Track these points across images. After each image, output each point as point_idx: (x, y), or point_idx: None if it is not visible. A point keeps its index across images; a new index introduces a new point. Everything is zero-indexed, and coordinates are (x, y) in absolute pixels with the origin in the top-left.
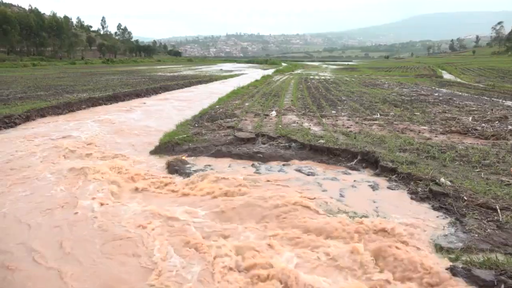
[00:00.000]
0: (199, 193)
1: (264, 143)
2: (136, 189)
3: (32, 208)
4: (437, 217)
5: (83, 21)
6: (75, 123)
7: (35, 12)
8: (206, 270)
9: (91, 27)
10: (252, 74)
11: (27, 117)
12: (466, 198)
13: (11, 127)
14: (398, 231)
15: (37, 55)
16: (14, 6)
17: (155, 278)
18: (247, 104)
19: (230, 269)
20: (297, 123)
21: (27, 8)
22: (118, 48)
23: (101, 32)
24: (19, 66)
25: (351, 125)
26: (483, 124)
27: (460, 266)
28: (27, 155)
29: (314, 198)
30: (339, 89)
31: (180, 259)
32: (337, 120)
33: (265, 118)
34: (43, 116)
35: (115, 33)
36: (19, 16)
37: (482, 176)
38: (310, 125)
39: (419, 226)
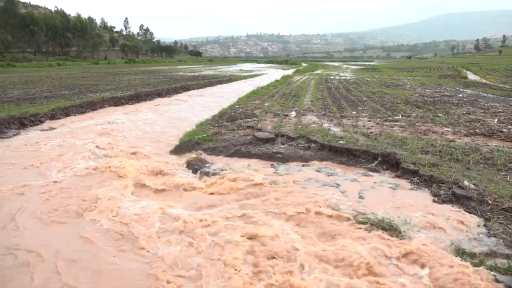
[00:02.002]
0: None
1: (283, 144)
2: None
3: None
4: (460, 221)
5: (106, 22)
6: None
7: (60, 13)
8: None
9: (114, 27)
10: (272, 74)
11: (52, 116)
12: (490, 202)
13: (37, 125)
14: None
15: (62, 55)
16: (41, 7)
17: None
18: (266, 104)
19: None
20: (317, 123)
21: (53, 9)
22: (140, 48)
23: (124, 33)
24: (45, 66)
25: (372, 126)
26: (509, 126)
27: (485, 271)
28: None
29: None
30: (359, 90)
31: None
32: (357, 121)
33: (285, 118)
34: (67, 114)
35: (138, 33)
36: (45, 17)
37: (508, 180)
38: (330, 126)
39: (441, 230)
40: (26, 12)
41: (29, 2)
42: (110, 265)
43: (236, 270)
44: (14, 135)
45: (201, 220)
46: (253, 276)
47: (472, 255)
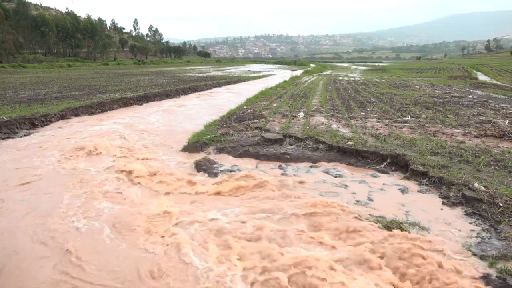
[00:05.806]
0: None
1: (291, 144)
2: None
3: None
4: (470, 223)
5: (116, 23)
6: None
7: (71, 15)
8: None
9: (123, 29)
10: (280, 75)
11: (62, 116)
12: (501, 204)
13: (47, 125)
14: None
15: (72, 56)
16: (52, 9)
17: None
18: (274, 105)
19: None
20: (325, 124)
21: (63, 11)
22: (149, 49)
23: (133, 34)
24: (56, 67)
25: (381, 127)
26: None
27: (494, 274)
28: None
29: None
30: (368, 91)
31: None
32: (366, 122)
33: (293, 119)
34: (77, 115)
35: (147, 34)
36: (56, 18)
37: None
38: (339, 127)
39: (451, 232)
40: (37, 13)
41: (40, 4)
42: None
43: None
44: (25, 135)
45: None
46: None
47: (482, 258)
